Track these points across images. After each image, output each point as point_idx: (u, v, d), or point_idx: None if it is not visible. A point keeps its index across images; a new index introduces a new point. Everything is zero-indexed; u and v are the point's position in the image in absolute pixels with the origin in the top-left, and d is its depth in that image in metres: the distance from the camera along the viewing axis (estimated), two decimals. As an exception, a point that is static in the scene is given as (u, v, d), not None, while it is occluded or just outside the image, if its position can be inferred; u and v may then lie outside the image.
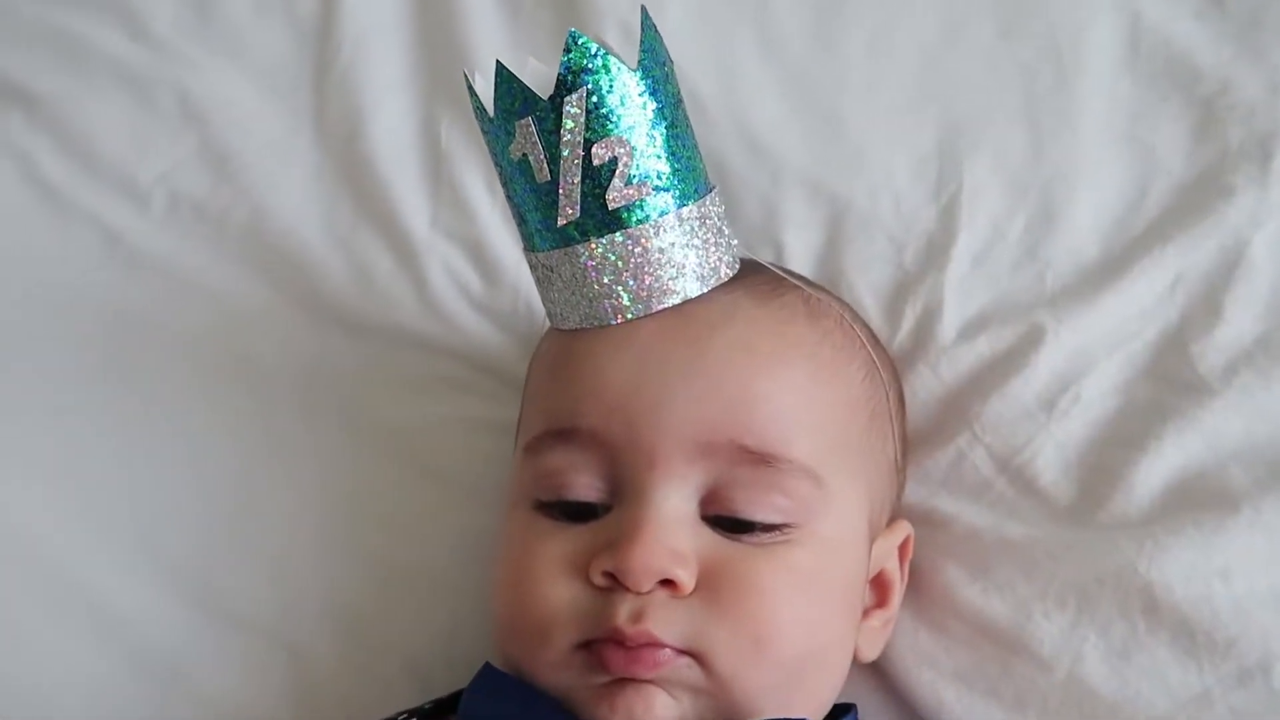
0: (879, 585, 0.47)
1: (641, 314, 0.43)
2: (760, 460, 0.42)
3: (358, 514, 0.55)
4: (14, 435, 0.56)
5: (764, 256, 0.52)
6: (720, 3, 0.59)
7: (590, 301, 0.43)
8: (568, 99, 0.41)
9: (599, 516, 0.43)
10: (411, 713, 0.46)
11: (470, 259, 0.58)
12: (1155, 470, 0.49)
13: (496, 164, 0.45)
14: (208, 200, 0.60)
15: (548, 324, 0.53)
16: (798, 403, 0.43)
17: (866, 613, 0.46)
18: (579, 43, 0.41)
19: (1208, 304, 0.51)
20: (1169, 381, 0.50)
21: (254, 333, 0.58)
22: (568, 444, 0.43)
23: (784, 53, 0.58)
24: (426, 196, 0.59)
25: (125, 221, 0.60)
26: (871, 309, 0.54)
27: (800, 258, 0.55)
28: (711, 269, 0.44)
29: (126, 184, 0.60)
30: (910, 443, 0.51)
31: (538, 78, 0.42)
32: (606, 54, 0.41)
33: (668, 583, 0.40)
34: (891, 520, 0.49)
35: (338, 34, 0.61)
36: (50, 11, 0.63)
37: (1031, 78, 0.56)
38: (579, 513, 0.43)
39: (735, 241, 0.46)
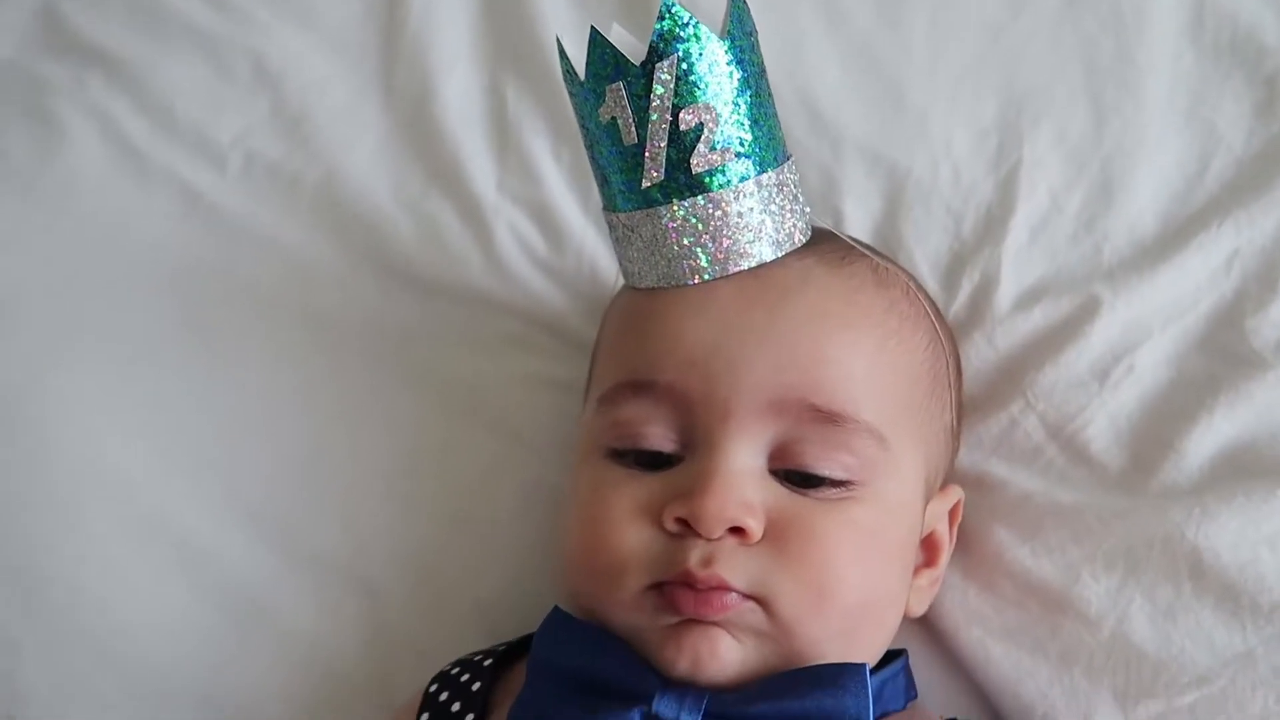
0: (929, 545, 0.49)
1: (718, 275, 0.44)
2: (829, 419, 0.43)
3: (424, 464, 0.56)
4: (103, 382, 0.58)
5: (823, 224, 0.53)
6: None
7: (669, 262, 0.44)
8: (659, 65, 0.42)
9: (670, 466, 0.44)
10: (487, 654, 0.48)
11: (535, 222, 0.59)
12: (1206, 441, 0.50)
13: (583, 126, 0.46)
14: (282, 161, 0.61)
15: (615, 285, 0.54)
16: (866, 367, 0.45)
17: (916, 571, 0.48)
18: (672, 11, 0.42)
19: (1264, 280, 0.52)
20: (1222, 355, 0.51)
21: (325, 290, 0.59)
22: (643, 396, 0.44)
23: (848, 24, 0.59)
24: (493, 161, 0.60)
25: (203, 181, 0.61)
26: (929, 278, 0.55)
27: (859, 226, 0.56)
28: (786, 235, 0.45)
29: (204, 145, 0.62)
30: (964, 409, 0.53)
31: (623, 44, 0.43)
32: (698, 23, 0.42)
33: (737, 531, 0.42)
34: (944, 484, 0.50)
35: (406, 1, 0.62)
36: None
37: (1094, 50, 0.56)
38: (652, 461, 0.44)
39: (808, 209, 0.47)
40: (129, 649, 0.54)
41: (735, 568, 0.42)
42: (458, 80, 0.61)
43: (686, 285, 0.45)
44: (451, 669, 0.48)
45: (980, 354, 0.53)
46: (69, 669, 0.54)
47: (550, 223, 0.59)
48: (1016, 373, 0.53)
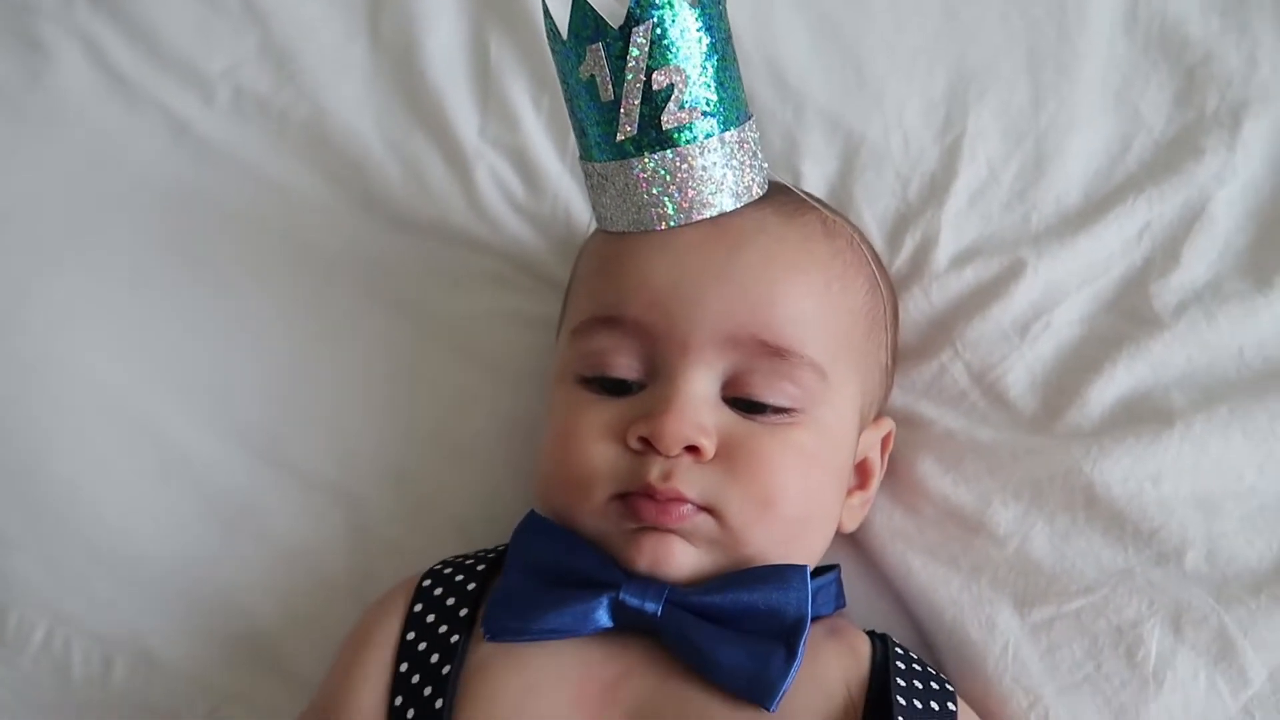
0: (862, 470, 0.53)
1: (682, 222, 0.48)
2: (776, 354, 0.48)
3: (406, 388, 0.59)
4: (94, 297, 0.60)
5: (780, 179, 0.56)
6: None
7: (639, 209, 0.49)
8: (635, 29, 0.46)
9: (633, 393, 0.49)
10: (476, 559, 0.51)
11: (515, 167, 0.61)
12: (1108, 390, 0.54)
13: (563, 82, 0.49)
14: (270, 97, 0.62)
15: (589, 228, 0.57)
16: (811, 308, 0.49)
17: (850, 492, 0.53)
18: None
19: (1168, 251, 0.56)
20: (1127, 315, 0.56)
21: (311, 221, 0.61)
22: (611, 329, 0.49)
23: None
24: (475, 108, 0.62)
25: (191, 111, 0.62)
26: (876, 236, 0.59)
27: (816, 185, 0.60)
28: (745, 188, 0.50)
29: (192, 76, 0.62)
30: (900, 354, 0.57)
31: (601, 6, 0.47)
32: None
33: (693, 449, 0.47)
34: (878, 417, 0.55)
35: None
36: None
37: (1038, 35, 0.59)
38: (616, 388, 0.49)
39: (766, 165, 0.51)
40: (121, 546, 0.57)
41: (691, 482, 0.46)
42: (443, 30, 0.63)
43: (654, 230, 0.49)
44: (442, 567, 0.51)
45: (918, 306, 0.58)
46: (63, 564, 0.57)
47: (528, 168, 0.61)
48: (948, 324, 0.57)
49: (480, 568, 0.51)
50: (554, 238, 0.61)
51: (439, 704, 0.45)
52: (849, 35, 0.61)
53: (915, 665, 0.49)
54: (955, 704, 0.48)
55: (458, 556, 0.52)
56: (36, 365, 0.59)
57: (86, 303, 0.60)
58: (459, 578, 0.50)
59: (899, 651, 0.50)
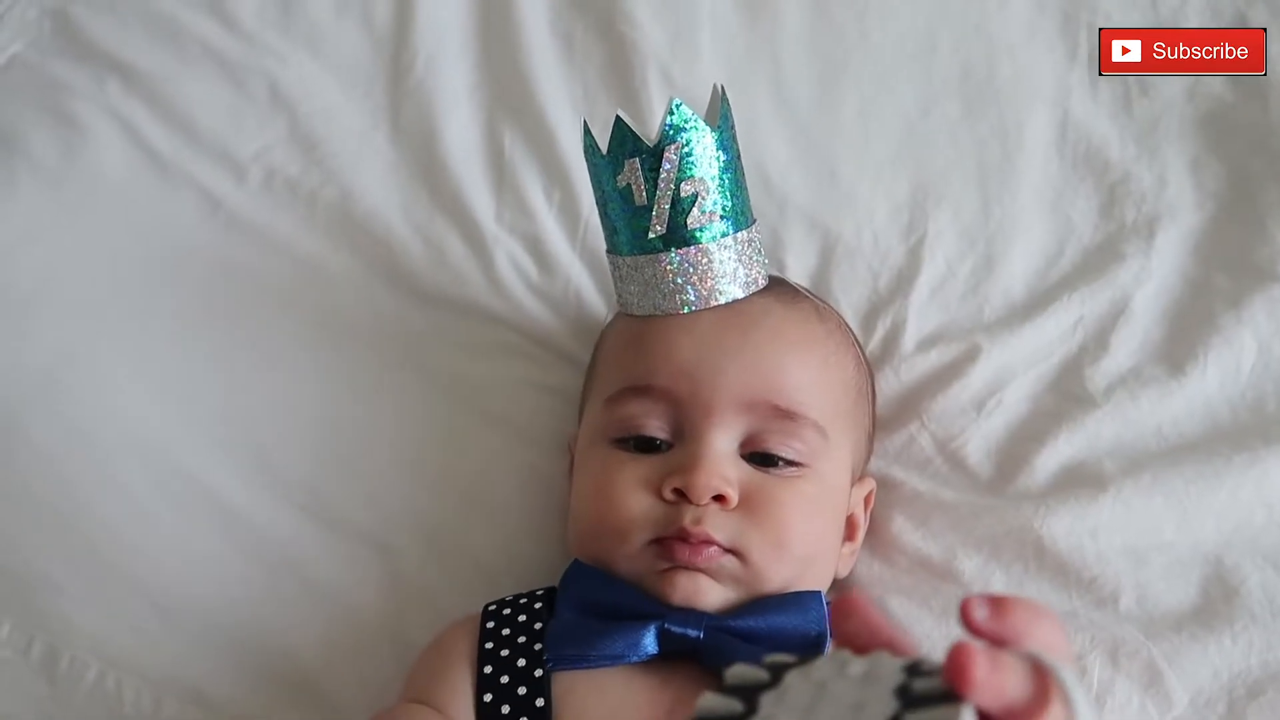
0: (850, 523, 0.58)
1: (701, 307, 0.55)
2: (786, 415, 0.54)
3: (434, 446, 0.63)
4: (140, 365, 0.62)
5: (771, 269, 0.61)
6: (743, 69, 0.69)
7: (664, 295, 0.56)
8: (668, 148, 0.54)
9: (662, 451, 0.54)
10: (530, 597, 0.55)
11: (529, 251, 0.66)
12: (1051, 458, 0.60)
13: (598, 188, 0.56)
14: (300, 178, 0.65)
15: (609, 313, 0.63)
16: (812, 378, 0.55)
17: (840, 543, 0.58)
18: (679, 109, 0.54)
19: (1099, 340, 0.62)
20: (1066, 395, 0.61)
21: (340, 294, 0.64)
22: (643, 397, 0.54)
23: (793, 112, 0.69)
24: (492, 196, 0.67)
25: (224, 189, 0.65)
26: (851, 320, 0.64)
27: (798, 275, 0.65)
28: (752, 279, 0.57)
29: (225, 156, 0.65)
30: (876, 422, 0.63)
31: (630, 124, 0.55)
32: (698, 118, 0.54)
33: (719, 498, 0.52)
34: (862, 476, 0.61)
35: (412, 45, 0.68)
36: None
37: (984, 151, 0.66)
38: (647, 446, 0.54)
39: (767, 260, 0.59)
40: (169, 592, 0.59)
41: (718, 526, 0.52)
42: (459, 123, 0.67)
43: (677, 314, 0.55)
44: (502, 609, 0.54)
45: (889, 383, 0.63)
46: (113, 609, 0.58)
47: (542, 253, 0.66)
48: (915, 400, 0.62)
49: (538, 605, 0.54)
50: (566, 316, 0.66)
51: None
52: (824, 145, 0.68)
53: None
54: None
55: (515, 595, 0.56)
56: (83, 425, 0.61)
57: (131, 366, 0.62)
58: (522, 617, 0.54)
59: None
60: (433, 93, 0.68)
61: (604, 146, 0.55)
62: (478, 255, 0.66)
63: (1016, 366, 0.63)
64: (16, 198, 0.64)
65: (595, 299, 0.67)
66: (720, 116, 0.56)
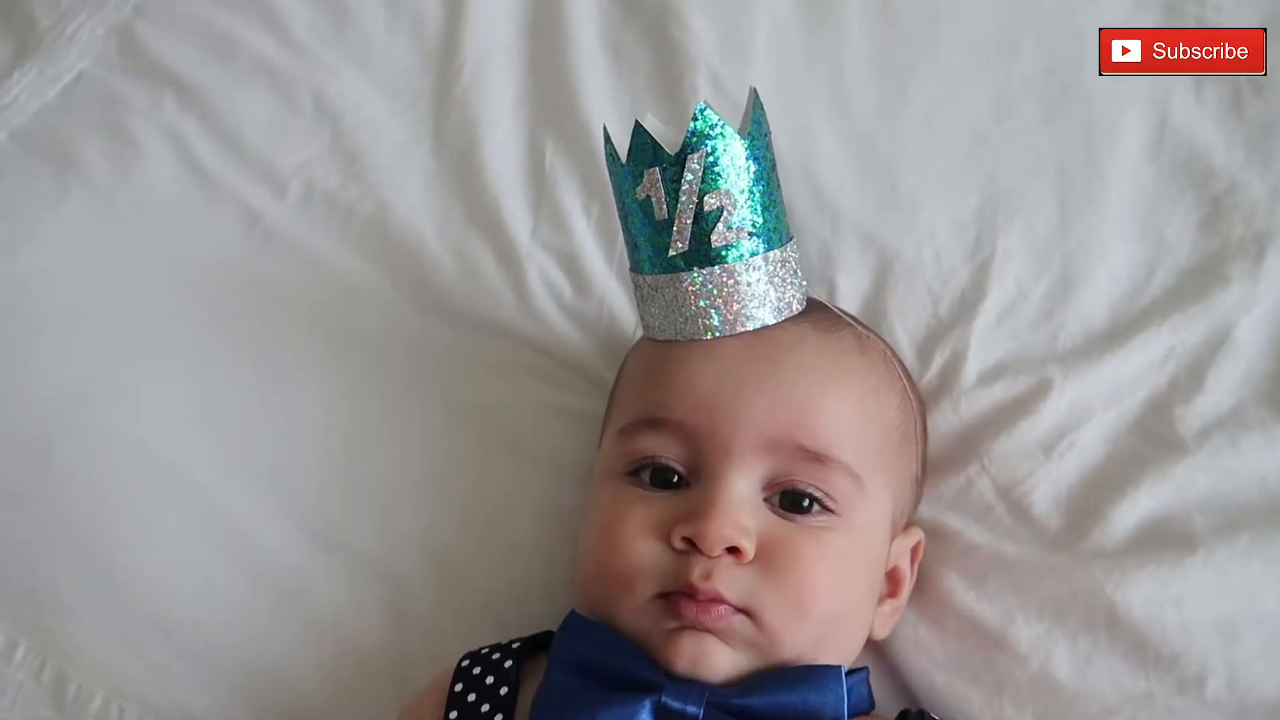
0: (893, 578, 0.54)
1: (726, 333, 0.51)
2: (815, 458, 0.49)
3: (452, 475, 0.61)
4: (166, 384, 0.62)
5: (818, 294, 0.59)
6: (799, 69, 0.66)
7: (686, 319, 0.51)
8: (691, 157, 0.49)
9: (676, 488, 0.50)
10: (511, 640, 0.53)
11: (564, 269, 0.63)
12: (1131, 512, 0.55)
13: (619, 200, 0.53)
14: (338, 193, 0.65)
15: (633, 334, 0.60)
16: (849, 417, 0.51)
17: (881, 599, 0.54)
18: (704, 114, 0.50)
19: (1192, 376, 0.57)
20: (1152, 438, 0.56)
21: (367, 312, 0.64)
22: (658, 430, 0.50)
23: (852, 117, 0.65)
24: (529, 210, 0.65)
25: (264, 204, 0.65)
26: (906, 349, 0.60)
27: (849, 298, 0.62)
28: (786, 303, 0.52)
29: (268, 171, 0.66)
30: (928, 466, 0.58)
31: (655, 130, 0.51)
32: (725, 124, 0.50)
33: (734, 550, 0.48)
34: (908, 526, 0.56)
35: (460, 56, 0.67)
36: (200, 6, 0.68)
37: (1067, 159, 0.61)
38: (661, 481, 0.50)
39: (805, 283, 0.54)
40: (176, 617, 0.59)
41: (730, 582, 0.48)
42: (501, 136, 0.66)
43: (699, 340, 0.51)
44: (481, 650, 0.53)
45: (946, 420, 0.58)
46: (121, 634, 0.58)
47: (577, 271, 0.64)
48: (975, 439, 0.58)
49: (516, 645, 0.52)
50: (599, 337, 0.64)
51: None
52: (884, 154, 0.64)
53: None
54: None
55: (496, 642, 0.54)
56: (108, 442, 0.61)
57: (157, 385, 0.62)
58: (495, 656, 0.52)
59: None
60: (477, 103, 0.66)
61: (624, 155, 0.51)
62: (509, 272, 0.64)
63: (1094, 404, 0.58)
64: (65, 214, 0.65)
65: (628, 320, 0.64)
66: (752, 123, 0.51)
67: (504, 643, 0.53)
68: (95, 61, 0.67)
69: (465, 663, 0.52)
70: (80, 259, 0.64)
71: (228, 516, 0.60)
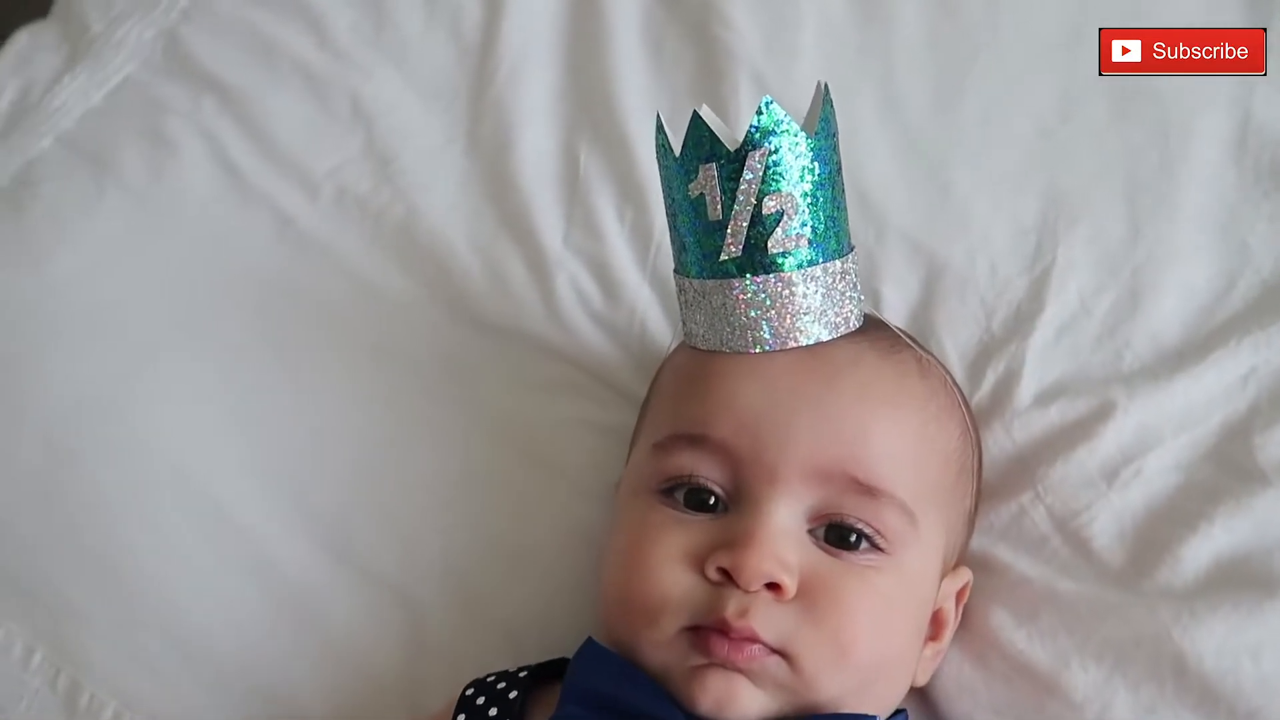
0: (935, 621, 0.51)
1: (776, 348, 0.47)
2: (867, 492, 0.46)
3: (475, 492, 0.59)
4: (190, 389, 0.61)
5: (867, 306, 0.54)
6: (848, 66, 0.63)
7: (734, 330, 0.48)
8: (751, 154, 0.46)
9: (714, 511, 0.47)
10: (520, 669, 0.51)
11: (595, 276, 0.62)
12: (1203, 548, 0.51)
13: (669, 196, 0.49)
14: (369, 196, 0.64)
15: (671, 342, 0.57)
16: (906, 448, 0.47)
17: (924, 642, 0.50)
18: (769, 108, 0.46)
19: (1275, 400, 0.53)
20: (1228, 467, 0.52)
21: (396, 319, 0.62)
22: (696, 447, 0.47)
23: (902, 115, 0.62)
24: (561, 215, 0.63)
25: (296, 207, 0.64)
26: (956, 366, 0.57)
27: (896, 310, 0.59)
28: (843, 319, 0.49)
29: (301, 174, 0.65)
30: (980, 497, 0.55)
31: (710, 123, 0.47)
32: (791, 120, 0.46)
33: (773, 586, 0.45)
34: (956, 565, 0.53)
35: (497, 55, 0.65)
36: (245, 9, 0.68)
37: (1137, 161, 0.58)
38: (697, 502, 0.47)
39: (863, 298, 0.51)
40: (188, 631, 0.57)
41: (767, 621, 0.45)
42: (536, 135, 0.64)
43: (747, 353, 0.48)
44: (487, 678, 0.50)
45: (997, 443, 0.55)
46: (134, 645, 0.57)
47: (608, 279, 0.62)
48: (1029, 465, 0.54)
49: (523, 674, 0.50)
50: (629, 349, 0.61)
51: None
52: (936, 156, 0.61)
53: None
54: None
55: (505, 670, 0.52)
56: (131, 454, 0.60)
57: (181, 392, 0.61)
58: (501, 685, 0.49)
59: None
60: (513, 104, 0.65)
61: (678, 148, 0.48)
62: (538, 279, 0.62)
63: (1163, 429, 0.54)
64: (100, 217, 0.65)
65: (661, 330, 0.61)
66: (820, 120, 0.48)
67: (512, 670, 0.51)
68: (141, 66, 0.67)
69: (469, 691, 0.50)
70: (112, 261, 0.64)
71: (246, 532, 0.59)
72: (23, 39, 0.69)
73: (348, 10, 0.67)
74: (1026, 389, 0.56)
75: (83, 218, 0.64)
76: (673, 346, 0.56)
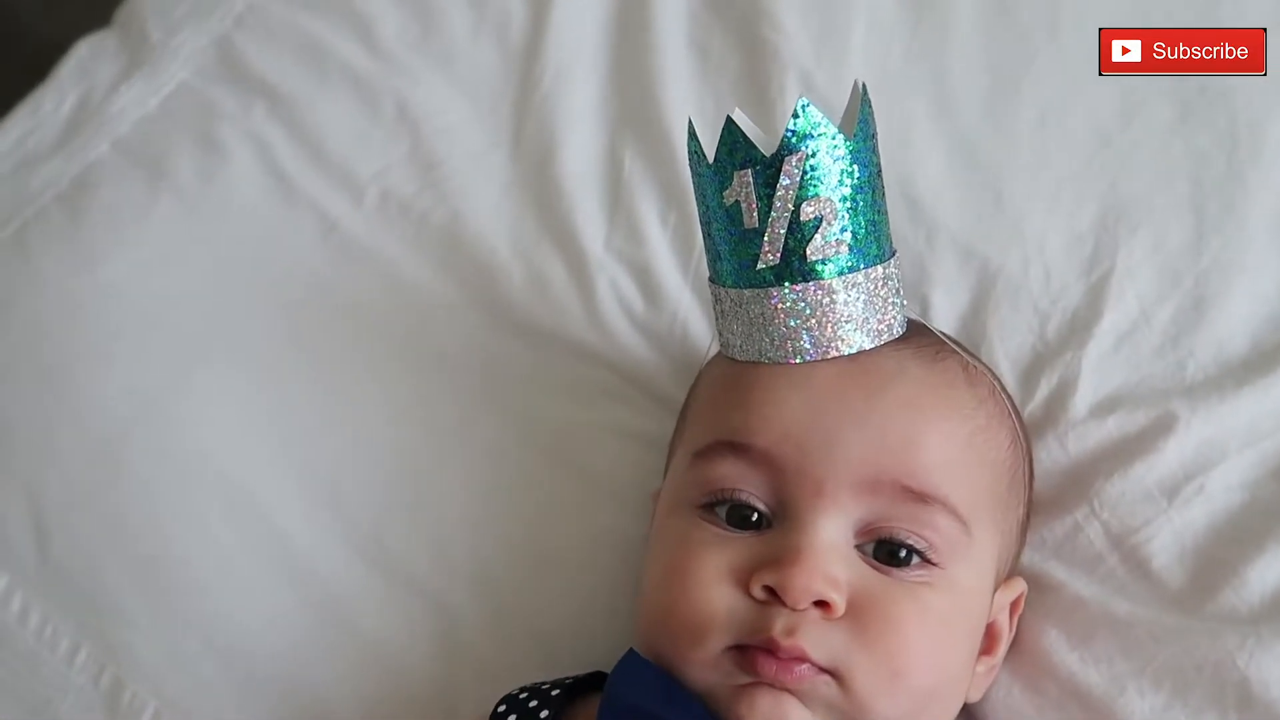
0: (989, 634, 0.49)
1: (816, 358, 0.46)
2: (919, 499, 0.45)
3: (512, 499, 0.58)
4: (235, 391, 0.61)
5: (911, 311, 0.54)
6: (900, 67, 0.62)
7: (773, 341, 0.47)
8: (788, 159, 0.45)
9: (757, 527, 0.46)
10: (554, 684, 0.50)
11: (636, 281, 0.61)
12: (1270, 570, 0.49)
13: (703, 204, 0.49)
14: (413, 201, 0.64)
15: (709, 350, 0.56)
16: (956, 456, 0.46)
17: (977, 658, 0.49)
18: (806, 110, 0.45)
19: None
20: None
21: (437, 324, 0.62)
22: (739, 457, 0.46)
23: (956, 118, 0.61)
24: (604, 219, 0.62)
25: (341, 212, 0.64)
26: (1008, 375, 0.55)
27: (946, 316, 0.57)
28: (886, 326, 0.48)
29: (346, 178, 0.65)
30: (1031, 508, 0.53)
31: (745, 128, 0.46)
32: (829, 123, 0.45)
33: (821, 604, 0.44)
34: (1010, 576, 0.51)
35: (543, 59, 0.65)
36: (297, 15, 0.68)
37: (1203, 166, 0.57)
38: (740, 519, 0.46)
39: (906, 303, 0.49)
40: (226, 633, 0.58)
41: (816, 640, 0.43)
42: (580, 139, 0.64)
43: (787, 363, 0.47)
44: (519, 693, 0.50)
45: (1051, 456, 0.54)
46: (175, 646, 0.58)
47: (650, 283, 0.61)
48: (1085, 479, 0.53)
49: (556, 693, 0.49)
50: (669, 354, 0.60)
51: None
52: (991, 159, 0.60)
53: None
54: None
55: (538, 683, 0.51)
56: (177, 456, 0.60)
57: (225, 395, 0.62)
58: (533, 704, 0.48)
59: None
60: (558, 107, 0.65)
61: (712, 154, 0.47)
62: (579, 283, 0.62)
63: (1227, 444, 0.52)
64: (152, 221, 0.66)
65: (703, 336, 0.60)
66: (858, 122, 0.46)
67: (544, 687, 0.50)
68: (195, 72, 0.68)
69: (502, 708, 0.49)
70: (162, 265, 0.64)
71: (285, 537, 0.59)
72: (84, 48, 0.71)
73: (396, 15, 0.68)
74: (1082, 399, 0.54)
75: (136, 222, 0.65)
76: (709, 356, 0.55)
